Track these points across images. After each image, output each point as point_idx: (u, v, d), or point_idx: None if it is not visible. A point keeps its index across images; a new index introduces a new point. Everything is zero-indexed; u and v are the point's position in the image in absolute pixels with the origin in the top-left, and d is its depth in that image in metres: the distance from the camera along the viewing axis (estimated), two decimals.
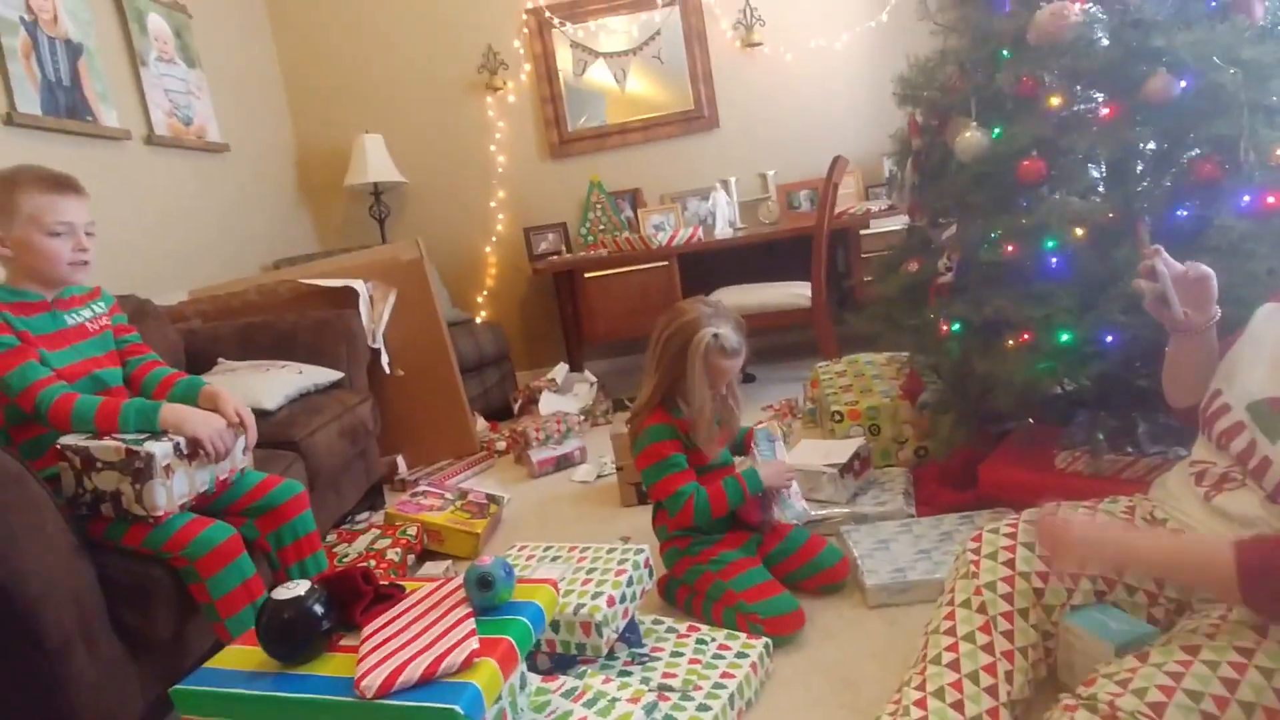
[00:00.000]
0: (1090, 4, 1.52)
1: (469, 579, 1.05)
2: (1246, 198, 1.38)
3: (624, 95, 3.87)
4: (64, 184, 1.35)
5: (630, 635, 1.37)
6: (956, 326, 1.70)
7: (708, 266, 3.57)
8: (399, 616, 1.05)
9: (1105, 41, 1.52)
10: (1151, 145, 1.56)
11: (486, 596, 1.04)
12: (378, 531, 2.06)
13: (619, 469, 2.25)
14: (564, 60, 3.85)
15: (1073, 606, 1.07)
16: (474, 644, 0.94)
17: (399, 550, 1.95)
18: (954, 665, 1.03)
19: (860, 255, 3.29)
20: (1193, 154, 1.49)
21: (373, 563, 1.89)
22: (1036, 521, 1.04)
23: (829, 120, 3.79)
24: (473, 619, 1.01)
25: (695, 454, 1.58)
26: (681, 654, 1.33)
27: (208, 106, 3.23)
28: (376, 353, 2.65)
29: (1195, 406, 1.10)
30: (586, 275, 3.37)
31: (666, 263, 3.32)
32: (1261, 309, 1.08)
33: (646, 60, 3.83)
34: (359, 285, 2.63)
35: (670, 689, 1.23)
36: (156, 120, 2.86)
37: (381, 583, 1.12)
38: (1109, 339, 1.46)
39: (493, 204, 3.96)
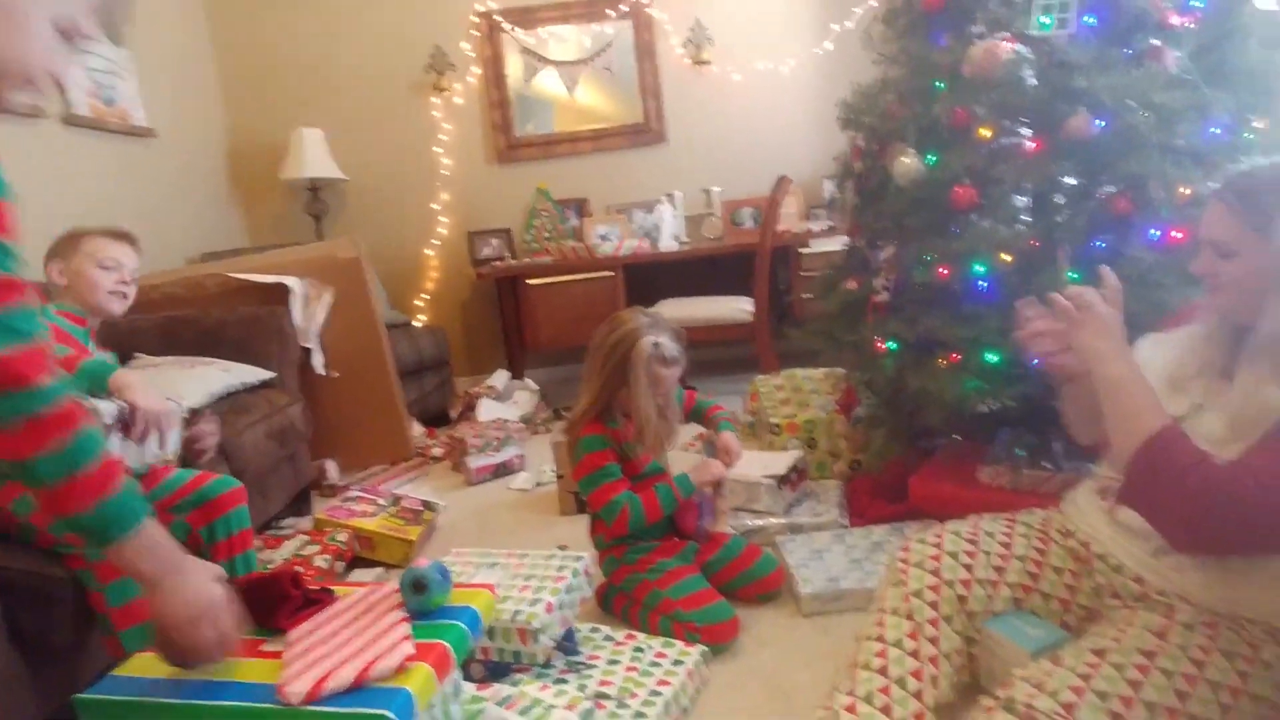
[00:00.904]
0: (1020, 44, 1.61)
1: (404, 582, 1.03)
2: (1155, 232, 1.49)
3: (573, 104, 3.87)
4: (122, 235, 1.63)
5: (567, 644, 1.36)
6: (892, 344, 1.76)
7: (651, 278, 3.60)
8: (329, 621, 1.01)
9: (1033, 80, 1.61)
10: (1071, 179, 1.65)
11: (421, 600, 1.01)
12: (305, 538, 1.98)
13: (559, 477, 2.23)
14: (514, 66, 3.83)
15: (994, 613, 1.12)
16: (409, 649, 0.91)
17: (328, 557, 1.88)
18: (883, 671, 1.06)
19: (800, 273, 3.37)
20: (1108, 189, 1.59)
21: (299, 569, 1.81)
22: (1074, 295, 1.06)
23: (773, 140, 3.88)
24: (408, 623, 0.99)
25: (629, 463, 1.59)
26: (618, 661, 1.32)
27: (133, 88, 3.07)
28: (309, 352, 2.56)
29: (1101, 442, 1.15)
30: (530, 282, 3.35)
31: (612, 273, 3.33)
32: (1143, 340, 1.15)
33: (597, 71, 3.85)
34: (292, 282, 2.54)
35: (606, 696, 1.22)
36: (76, 99, 2.71)
37: (310, 587, 1.08)
38: (1032, 361, 1.53)
39: (436, 206, 3.89)
